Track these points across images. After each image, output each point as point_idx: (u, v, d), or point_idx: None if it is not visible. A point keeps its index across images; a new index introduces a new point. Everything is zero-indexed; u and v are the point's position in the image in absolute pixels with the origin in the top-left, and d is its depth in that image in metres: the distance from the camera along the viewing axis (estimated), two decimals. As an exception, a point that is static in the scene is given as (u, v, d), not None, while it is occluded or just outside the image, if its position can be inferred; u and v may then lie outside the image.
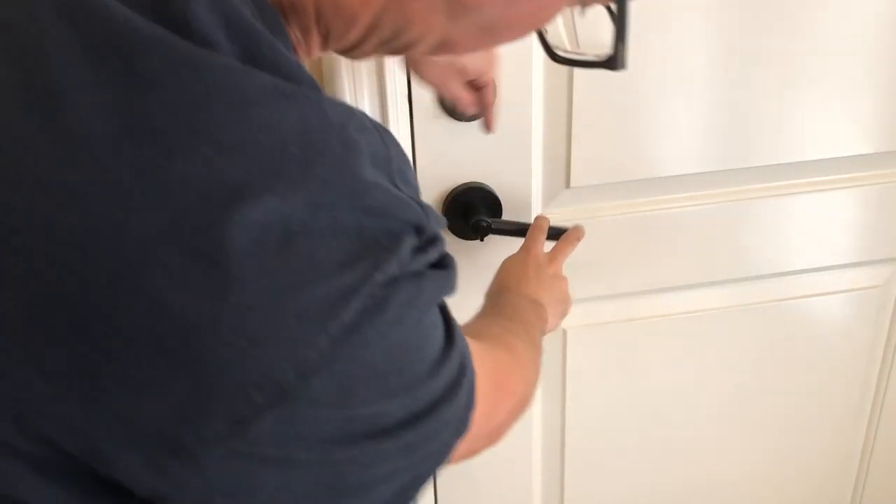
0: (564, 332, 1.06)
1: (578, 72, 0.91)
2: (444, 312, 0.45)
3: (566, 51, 0.56)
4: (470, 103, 0.83)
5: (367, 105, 0.88)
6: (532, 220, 0.91)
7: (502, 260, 0.87)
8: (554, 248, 0.89)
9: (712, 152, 0.99)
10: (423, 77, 0.80)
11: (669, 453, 1.19)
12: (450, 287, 0.44)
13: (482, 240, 0.93)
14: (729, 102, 0.97)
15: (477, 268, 0.94)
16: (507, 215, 0.96)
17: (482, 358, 0.53)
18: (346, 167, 0.38)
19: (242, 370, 0.35)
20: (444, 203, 0.94)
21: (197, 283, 0.34)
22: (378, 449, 0.41)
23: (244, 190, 0.35)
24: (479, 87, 0.82)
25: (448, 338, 0.44)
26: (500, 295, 0.82)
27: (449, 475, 1.12)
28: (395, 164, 0.41)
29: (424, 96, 0.89)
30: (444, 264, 0.44)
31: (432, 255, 0.42)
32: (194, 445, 0.36)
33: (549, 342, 1.06)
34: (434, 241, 0.42)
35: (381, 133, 0.41)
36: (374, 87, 0.88)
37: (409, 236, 0.40)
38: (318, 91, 0.41)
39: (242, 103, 0.36)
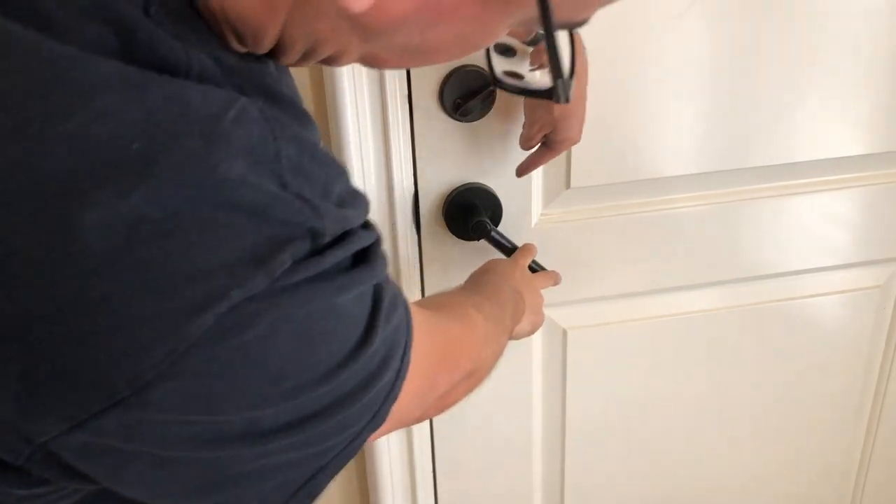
0: (565, 332, 1.06)
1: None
2: (376, 301, 0.43)
3: (515, 76, 0.55)
4: (529, 148, 0.87)
5: (367, 105, 0.88)
6: (525, 237, 0.94)
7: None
8: (535, 275, 0.92)
9: (712, 153, 0.99)
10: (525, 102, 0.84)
11: (669, 453, 1.19)
12: (369, 280, 0.42)
13: (480, 240, 0.92)
14: (729, 103, 0.96)
15: (475, 268, 0.94)
16: (508, 216, 0.96)
17: (429, 331, 0.52)
18: (203, 161, 0.34)
19: (74, 371, 0.34)
20: (445, 203, 0.94)
21: (33, 278, 0.33)
22: (260, 450, 0.39)
23: (79, 185, 0.33)
24: (551, 144, 0.85)
25: (366, 334, 0.42)
26: (483, 274, 0.83)
27: (449, 474, 1.11)
28: (286, 160, 0.37)
29: (425, 96, 0.89)
30: (365, 259, 0.42)
31: (337, 256, 0.39)
32: (37, 437, 0.35)
33: (550, 342, 1.07)
34: (342, 240, 0.40)
35: (273, 126, 0.38)
36: (374, 88, 0.88)
37: (292, 242, 0.36)
38: (210, 83, 0.37)
39: (82, 93, 0.34)
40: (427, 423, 1.08)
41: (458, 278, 0.94)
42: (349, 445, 0.45)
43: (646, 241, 1.03)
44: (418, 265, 0.99)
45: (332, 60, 0.45)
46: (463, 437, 1.10)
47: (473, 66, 0.88)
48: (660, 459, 1.19)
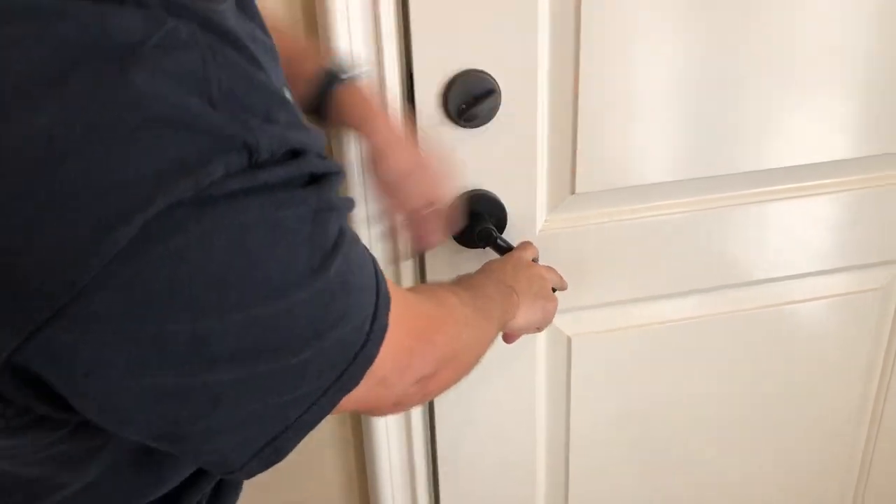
0: (569, 339, 1.04)
1: (584, 77, 0.89)
2: (335, 236, 0.43)
3: None
4: (410, 237, 0.83)
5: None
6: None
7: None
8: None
9: (717, 156, 0.98)
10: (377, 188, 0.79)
11: (673, 460, 1.18)
12: (315, 201, 0.42)
13: (486, 247, 0.90)
14: (735, 106, 0.95)
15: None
16: (512, 222, 0.94)
17: (405, 306, 0.52)
18: (117, 80, 0.35)
19: (16, 282, 0.35)
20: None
21: None
22: (213, 379, 0.40)
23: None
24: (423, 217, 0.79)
25: (321, 263, 0.42)
26: (468, 275, 0.81)
27: (451, 480, 1.09)
28: (216, 83, 0.38)
29: (427, 104, 0.86)
30: (315, 182, 0.42)
31: (278, 173, 0.39)
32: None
33: (554, 350, 1.05)
34: (287, 160, 0.40)
35: (205, 52, 0.38)
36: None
37: (223, 154, 0.37)
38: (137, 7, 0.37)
39: None
40: (429, 428, 1.06)
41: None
42: (316, 404, 0.45)
43: (652, 246, 1.01)
44: (420, 274, 0.96)
45: None
46: (466, 444, 1.08)
47: (478, 70, 0.86)
48: (664, 466, 1.18)
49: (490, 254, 0.91)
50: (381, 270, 0.49)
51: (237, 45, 0.41)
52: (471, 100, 0.86)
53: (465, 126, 0.88)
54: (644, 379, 1.10)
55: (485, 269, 0.83)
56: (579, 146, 0.93)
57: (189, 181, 0.36)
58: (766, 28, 0.91)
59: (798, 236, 1.06)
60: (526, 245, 0.89)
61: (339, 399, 0.46)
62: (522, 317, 0.78)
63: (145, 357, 0.38)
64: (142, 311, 0.37)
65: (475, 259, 0.94)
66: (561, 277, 0.89)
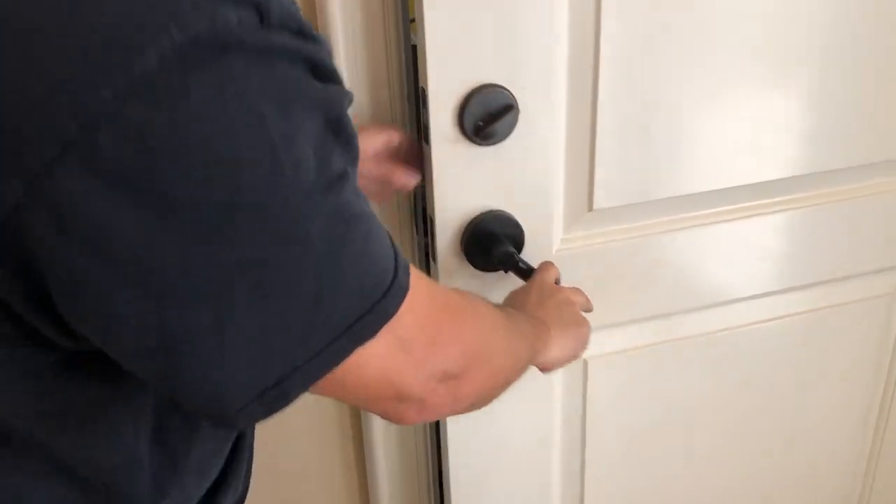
0: (586, 363, 1.00)
1: (602, 92, 0.85)
2: (344, 178, 0.42)
3: None
4: (401, 175, 0.83)
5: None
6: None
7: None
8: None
9: (738, 168, 0.95)
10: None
11: (690, 473, 1.15)
12: (325, 106, 0.41)
13: (507, 271, 0.85)
14: (753, 116, 0.92)
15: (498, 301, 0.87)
16: (529, 241, 0.89)
17: (429, 285, 0.51)
18: None
19: (23, 113, 0.34)
20: (464, 233, 0.87)
21: None
22: (222, 274, 0.38)
23: None
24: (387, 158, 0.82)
25: (329, 186, 0.41)
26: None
27: (463, 500, 1.05)
28: None
29: (442, 120, 0.81)
30: (326, 77, 0.41)
31: (286, 40, 0.39)
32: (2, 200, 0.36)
33: (570, 374, 1.01)
34: (297, 32, 0.40)
35: None
36: (384, 115, 0.81)
37: (234, 4, 0.36)
38: None
39: None
40: (438, 449, 1.01)
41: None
42: (327, 349, 0.42)
43: (669, 261, 0.98)
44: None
45: None
46: (477, 466, 1.03)
47: (496, 85, 0.81)
48: (682, 481, 1.15)
49: (508, 278, 0.87)
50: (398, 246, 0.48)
51: None
52: (488, 116, 0.81)
53: (480, 144, 0.83)
54: (660, 397, 1.07)
55: (510, 302, 0.78)
56: (598, 161, 0.88)
57: (205, 19, 0.35)
58: (781, 39, 0.89)
59: (807, 245, 1.04)
60: (547, 266, 0.84)
61: (352, 349, 0.43)
62: (557, 348, 0.73)
63: (152, 225, 0.36)
64: (152, 160, 0.35)
65: (492, 284, 0.90)
66: (587, 298, 0.84)
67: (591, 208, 0.91)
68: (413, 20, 0.82)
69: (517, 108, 0.82)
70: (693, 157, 0.92)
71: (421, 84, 0.82)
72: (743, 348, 1.08)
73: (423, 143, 0.84)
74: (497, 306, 0.67)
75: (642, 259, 0.96)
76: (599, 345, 1.00)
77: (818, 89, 0.93)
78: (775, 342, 1.09)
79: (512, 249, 0.84)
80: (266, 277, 0.39)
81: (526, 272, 0.83)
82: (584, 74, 0.84)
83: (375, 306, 0.44)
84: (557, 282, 0.84)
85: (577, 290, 0.83)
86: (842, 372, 1.16)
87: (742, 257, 1.01)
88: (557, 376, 1.00)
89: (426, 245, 0.90)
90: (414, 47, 0.84)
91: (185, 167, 0.36)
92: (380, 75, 0.85)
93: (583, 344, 0.78)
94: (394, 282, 0.45)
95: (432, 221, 0.87)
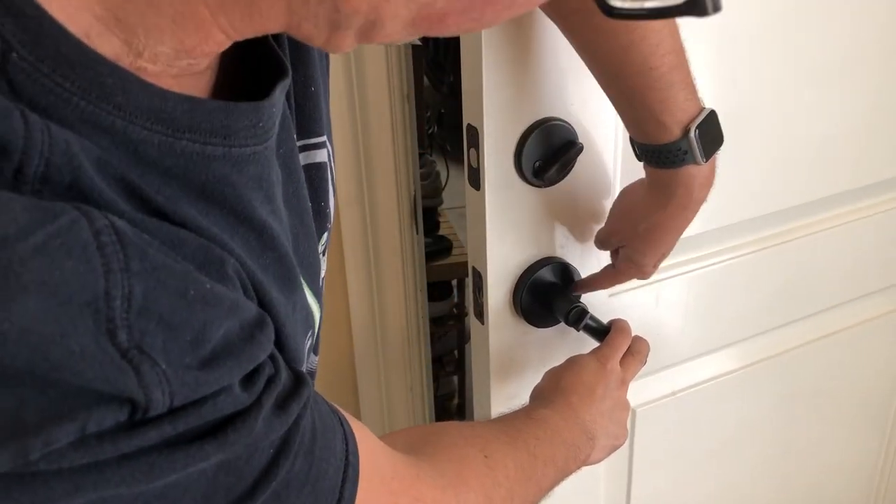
0: (634, 412, 0.92)
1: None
2: (269, 471, 0.35)
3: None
4: (603, 249, 0.75)
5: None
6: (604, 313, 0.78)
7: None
8: (625, 366, 0.74)
9: (776, 190, 0.89)
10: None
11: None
12: (203, 459, 0.31)
13: (578, 330, 0.75)
14: (806, 135, 0.86)
15: (554, 362, 0.77)
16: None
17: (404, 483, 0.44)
18: None
19: None
20: (516, 285, 0.77)
21: None
22: None
23: None
24: (619, 264, 0.72)
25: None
26: (552, 404, 0.68)
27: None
28: (121, 303, 0.28)
29: (499, 162, 0.71)
30: (220, 429, 0.32)
31: (164, 431, 0.30)
32: None
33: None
34: (185, 410, 0.30)
35: (118, 252, 0.28)
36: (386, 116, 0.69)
37: (95, 411, 0.27)
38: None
39: None
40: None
41: (534, 377, 0.77)
42: None
43: (712, 296, 0.91)
44: (487, 357, 0.81)
45: (370, 33, 0.34)
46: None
47: (557, 118, 0.71)
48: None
49: (566, 334, 0.77)
50: (354, 443, 0.40)
51: (240, 221, 0.35)
52: (549, 154, 0.72)
53: (539, 186, 0.73)
54: (704, 436, 1.00)
55: (573, 391, 0.69)
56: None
57: (32, 444, 0.26)
58: (819, 59, 0.83)
59: (840, 264, 1.00)
60: (622, 335, 0.75)
61: None
62: (596, 455, 0.68)
63: None
64: None
65: (549, 342, 0.80)
66: (641, 366, 0.76)
67: (645, 247, 0.83)
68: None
69: (580, 145, 0.72)
70: (733, 187, 0.86)
71: (467, 122, 0.71)
72: (777, 376, 1.03)
73: (471, 188, 0.73)
74: (541, 423, 0.63)
75: (691, 293, 0.89)
76: (646, 391, 0.92)
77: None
78: (810, 367, 1.04)
79: (583, 306, 0.75)
80: None
81: (601, 333, 0.74)
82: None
83: None
84: (630, 349, 0.76)
85: (635, 364, 0.75)
86: (870, 384, 1.13)
87: (774, 284, 0.96)
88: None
89: (474, 302, 0.79)
90: (421, 55, 0.73)
91: None
92: (380, 75, 0.74)
93: (610, 452, 0.71)
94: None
95: (480, 276, 0.76)
